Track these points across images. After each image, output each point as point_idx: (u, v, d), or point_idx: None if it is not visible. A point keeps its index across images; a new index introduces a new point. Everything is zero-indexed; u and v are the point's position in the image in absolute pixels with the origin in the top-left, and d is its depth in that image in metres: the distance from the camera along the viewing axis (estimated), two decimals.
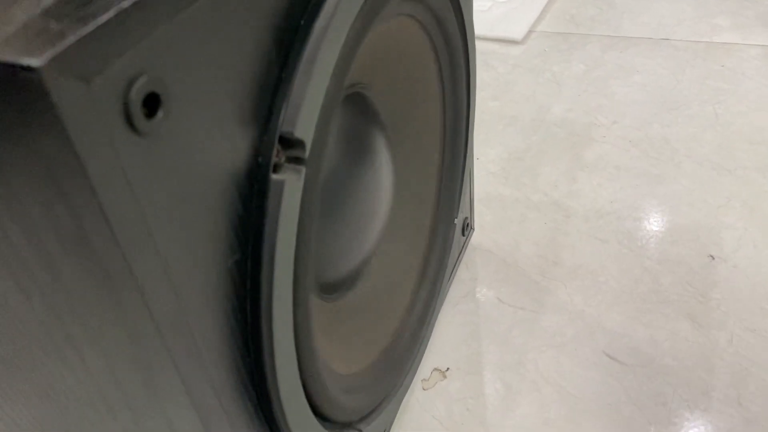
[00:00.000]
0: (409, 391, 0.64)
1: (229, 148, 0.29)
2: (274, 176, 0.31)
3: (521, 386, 0.63)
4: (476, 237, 0.79)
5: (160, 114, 0.24)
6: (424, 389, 0.64)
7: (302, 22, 0.33)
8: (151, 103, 0.24)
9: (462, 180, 0.63)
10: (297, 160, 0.33)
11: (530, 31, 1.20)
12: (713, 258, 0.74)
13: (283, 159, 0.33)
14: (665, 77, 1.03)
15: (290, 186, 0.32)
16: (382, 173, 0.52)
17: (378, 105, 0.51)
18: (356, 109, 0.49)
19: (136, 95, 0.23)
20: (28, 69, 0.19)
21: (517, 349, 0.67)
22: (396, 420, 0.61)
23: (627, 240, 0.77)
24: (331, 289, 0.49)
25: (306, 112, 0.32)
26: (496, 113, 1.01)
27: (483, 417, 0.61)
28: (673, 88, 1.01)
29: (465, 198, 0.69)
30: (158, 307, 0.26)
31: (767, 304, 0.68)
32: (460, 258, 0.74)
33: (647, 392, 0.62)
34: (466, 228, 0.74)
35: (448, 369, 0.66)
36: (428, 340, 0.65)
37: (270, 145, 0.31)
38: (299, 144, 0.32)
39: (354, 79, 0.46)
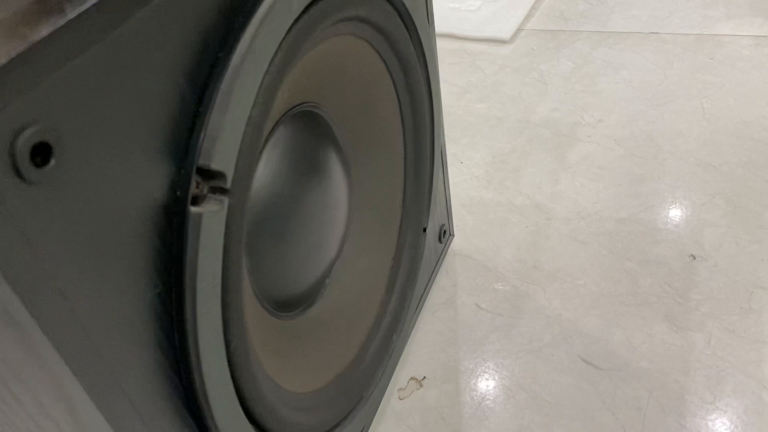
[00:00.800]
0: (385, 400, 0.64)
1: (142, 185, 0.30)
2: (192, 209, 0.32)
3: (496, 393, 0.64)
4: (457, 242, 0.79)
5: (52, 162, 0.25)
6: (400, 399, 0.65)
7: (220, 55, 0.33)
8: (43, 152, 0.25)
9: (430, 189, 0.63)
10: (221, 191, 0.33)
11: (519, 30, 1.19)
12: (694, 258, 0.73)
13: (205, 190, 0.33)
14: (653, 72, 1.02)
15: (210, 217, 0.32)
16: (337, 188, 0.53)
17: (331, 121, 0.51)
18: (308, 127, 0.49)
19: (23, 147, 0.24)
20: None
21: (494, 355, 0.67)
22: (371, 430, 0.62)
23: (607, 242, 0.76)
24: (289, 306, 0.50)
25: (224, 144, 0.32)
26: (482, 115, 1.00)
27: (458, 425, 0.62)
28: (661, 83, 1.00)
29: (438, 205, 0.69)
30: (66, 347, 0.27)
31: (747, 303, 0.67)
32: (438, 265, 0.74)
33: (622, 397, 0.61)
34: (443, 235, 0.74)
35: (424, 378, 0.66)
36: (401, 351, 0.65)
37: (187, 179, 0.32)
38: (219, 175, 0.33)
39: (300, 98, 0.47)
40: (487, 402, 0.63)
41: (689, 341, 0.65)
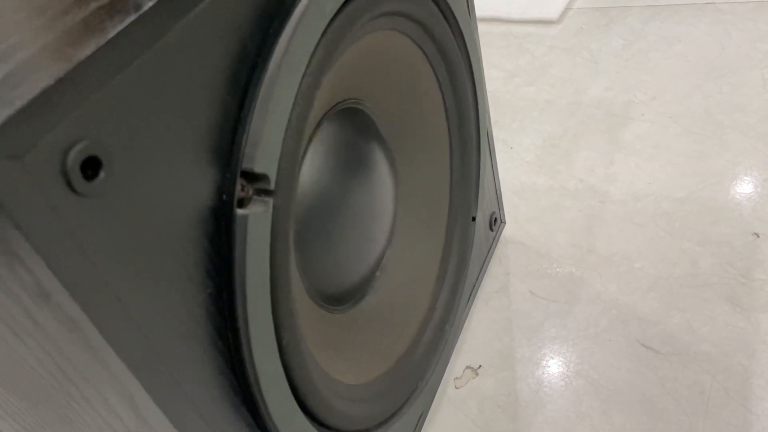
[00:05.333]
0: (441, 390, 0.65)
1: (189, 191, 0.31)
2: (238, 211, 0.33)
3: (553, 380, 0.63)
4: (509, 230, 0.79)
5: (102, 175, 0.26)
6: (456, 388, 0.65)
7: (258, 61, 0.34)
8: (93, 166, 0.26)
9: (477, 177, 0.63)
10: (265, 192, 0.34)
11: (567, 9, 1.16)
12: (758, 236, 0.70)
13: (250, 192, 0.34)
14: (709, 44, 0.99)
15: (256, 218, 0.33)
16: (384, 182, 0.53)
17: (374, 116, 0.52)
18: (352, 123, 0.50)
19: (73, 162, 0.25)
20: None
21: (550, 342, 0.66)
22: (428, 419, 0.62)
23: (665, 222, 0.74)
24: (339, 300, 0.51)
25: (266, 147, 0.33)
26: (531, 99, 0.99)
27: (515, 413, 0.62)
28: (718, 55, 0.96)
29: (488, 193, 0.69)
30: (125, 349, 0.28)
31: None
32: (490, 253, 0.74)
33: (683, 381, 0.60)
34: (494, 223, 0.73)
35: (480, 366, 0.66)
36: (455, 341, 0.65)
37: (232, 183, 0.33)
38: (263, 177, 0.34)
39: (343, 95, 0.47)
40: (545, 389, 0.63)
41: (754, 322, 0.63)
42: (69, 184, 0.25)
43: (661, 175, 0.80)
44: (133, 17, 0.28)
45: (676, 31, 1.04)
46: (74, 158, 0.25)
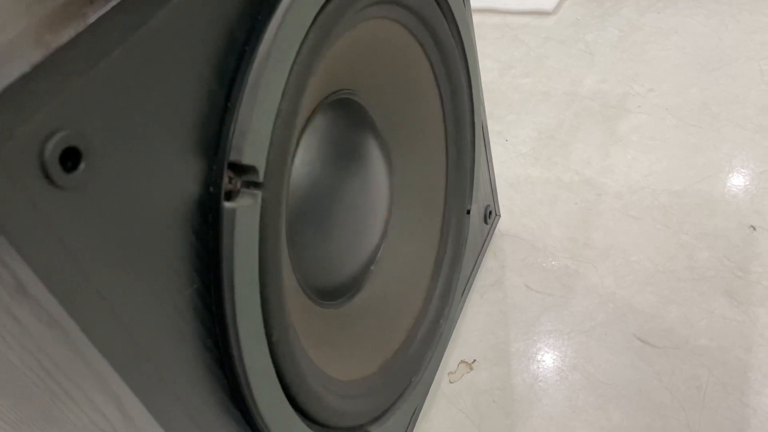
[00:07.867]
0: (435, 384, 0.64)
1: (175, 183, 0.30)
2: (226, 204, 0.32)
3: (549, 375, 0.62)
4: (505, 223, 0.78)
5: (82, 166, 0.25)
6: (450, 382, 0.64)
7: (246, 49, 0.33)
8: (72, 157, 0.25)
9: (472, 170, 0.62)
10: (254, 185, 0.33)
11: (562, 0, 1.15)
12: (754, 228, 0.70)
13: (238, 185, 0.33)
14: (706, 36, 0.98)
15: (244, 211, 0.32)
16: (378, 175, 0.52)
17: (369, 107, 0.51)
18: (345, 114, 0.49)
19: (52, 153, 0.24)
20: None
21: (545, 336, 0.66)
22: (422, 414, 0.62)
23: (661, 215, 0.74)
24: (335, 295, 0.50)
25: (254, 138, 0.32)
26: (527, 91, 0.98)
27: (510, 408, 0.61)
28: (715, 47, 0.95)
29: (482, 186, 0.68)
30: (108, 346, 0.28)
31: None
32: (485, 246, 0.73)
33: (680, 375, 0.60)
34: (489, 215, 0.72)
35: (474, 361, 0.66)
36: (449, 335, 0.65)
37: (220, 175, 0.32)
38: (251, 169, 0.33)
39: (336, 86, 0.46)
40: (540, 384, 0.62)
41: (751, 316, 0.62)
42: (47, 177, 0.24)
43: (657, 167, 0.80)
44: (115, 2, 0.26)
45: (673, 22, 1.03)
46: (52, 149, 0.24)
